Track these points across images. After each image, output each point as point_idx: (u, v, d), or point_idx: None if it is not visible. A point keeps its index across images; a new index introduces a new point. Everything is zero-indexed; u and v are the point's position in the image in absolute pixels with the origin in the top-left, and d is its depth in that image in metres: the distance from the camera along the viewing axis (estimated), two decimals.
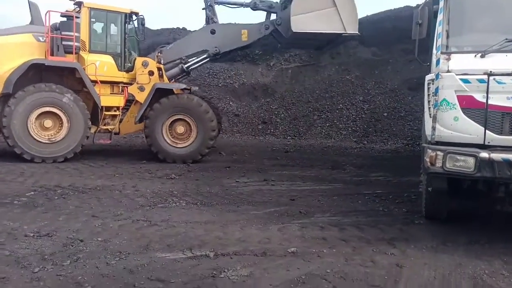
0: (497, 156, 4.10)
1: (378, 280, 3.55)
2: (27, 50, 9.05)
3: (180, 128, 9.79)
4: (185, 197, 6.41)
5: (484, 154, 4.12)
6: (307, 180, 8.06)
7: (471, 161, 4.18)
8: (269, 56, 21.18)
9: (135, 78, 10.05)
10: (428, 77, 4.94)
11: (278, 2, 11.02)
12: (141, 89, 9.95)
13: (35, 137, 8.77)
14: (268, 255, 4.07)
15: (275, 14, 10.92)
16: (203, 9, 11.41)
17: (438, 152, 4.36)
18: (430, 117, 4.64)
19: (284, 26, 10.17)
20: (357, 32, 9.69)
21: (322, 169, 9.40)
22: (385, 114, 16.95)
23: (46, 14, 9.20)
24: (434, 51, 4.72)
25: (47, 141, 8.91)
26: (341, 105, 16.86)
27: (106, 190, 6.69)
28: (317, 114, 16.51)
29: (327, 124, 16.01)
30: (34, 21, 9.65)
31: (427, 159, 4.44)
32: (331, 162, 10.41)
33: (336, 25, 9.34)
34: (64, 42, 9.28)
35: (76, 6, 9.71)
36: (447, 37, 4.65)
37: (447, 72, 4.48)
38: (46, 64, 8.99)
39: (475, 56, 4.41)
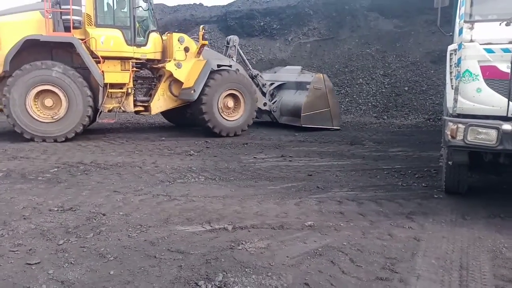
0: None
1: (394, 253, 3.55)
2: (35, 27, 8.78)
3: (230, 103, 10.31)
4: (203, 172, 6.48)
5: (506, 126, 4.00)
6: (325, 155, 8.03)
7: (493, 133, 4.07)
8: (287, 30, 20.90)
9: (154, 53, 9.93)
10: (450, 47, 4.78)
11: (268, 85, 12.24)
12: (178, 66, 9.97)
13: (33, 116, 8.55)
14: (285, 228, 4.11)
15: (263, 95, 12.02)
16: (226, 46, 12.02)
17: (460, 125, 4.26)
18: (452, 88, 4.52)
19: (277, 114, 12.17)
20: (339, 128, 11.94)
21: (341, 144, 9.33)
22: (406, 89, 16.60)
23: None
24: (457, 19, 4.56)
25: (48, 120, 8.69)
26: (361, 79, 16.60)
27: (126, 166, 6.82)
28: (336, 89, 16.27)
29: (347, 99, 15.83)
30: None
31: (448, 132, 4.35)
32: (349, 137, 10.32)
33: (328, 122, 11.68)
34: (64, 17, 8.89)
35: None
36: (471, 5, 4.47)
37: (470, 42, 4.33)
38: (41, 40, 8.60)
39: (500, 24, 4.22)
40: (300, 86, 11.67)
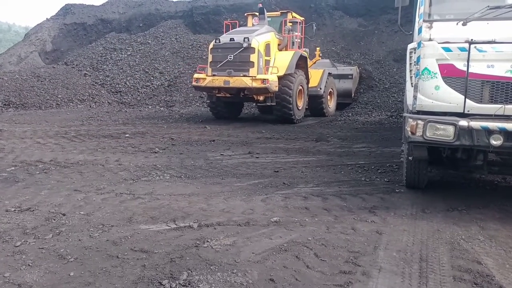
0: (476, 124, 4.14)
1: (358, 247, 3.63)
2: (275, 44, 13.00)
3: (328, 96, 15.42)
4: (169, 170, 6.39)
5: (463, 122, 4.16)
6: (291, 152, 8.10)
7: (450, 129, 4.22)
8: None
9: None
10: (410, 46, 4.91)
11: None
12: None
13: (296, 103, 12.75)
14: (251, 225, 4.11)
15: None
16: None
17: (419, 121, 4.39)
18: (412, 86, 4.64)
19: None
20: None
21: (307, 141, 9.44)
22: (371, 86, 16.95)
23: (282, 21, 13.78)
24: (417, 19, 4.69)
25: (299, 107, 13.13)
26: None
27: (88, 164, 6.62)
28: None
29: None
30: (265, 22, 13.49)
31: (408, 128, 4.47)
32: (315, 134, 10.46)
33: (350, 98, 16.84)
34: (295, 40, 13.85)
35: (282, 12, 14.41)
36: (430, 4, 4.62)
37: (429, 41, 4.46)
38: (302, 55, 13.42)
39: (457, 24, 4.38)
40: (342, 76, 16.68)
